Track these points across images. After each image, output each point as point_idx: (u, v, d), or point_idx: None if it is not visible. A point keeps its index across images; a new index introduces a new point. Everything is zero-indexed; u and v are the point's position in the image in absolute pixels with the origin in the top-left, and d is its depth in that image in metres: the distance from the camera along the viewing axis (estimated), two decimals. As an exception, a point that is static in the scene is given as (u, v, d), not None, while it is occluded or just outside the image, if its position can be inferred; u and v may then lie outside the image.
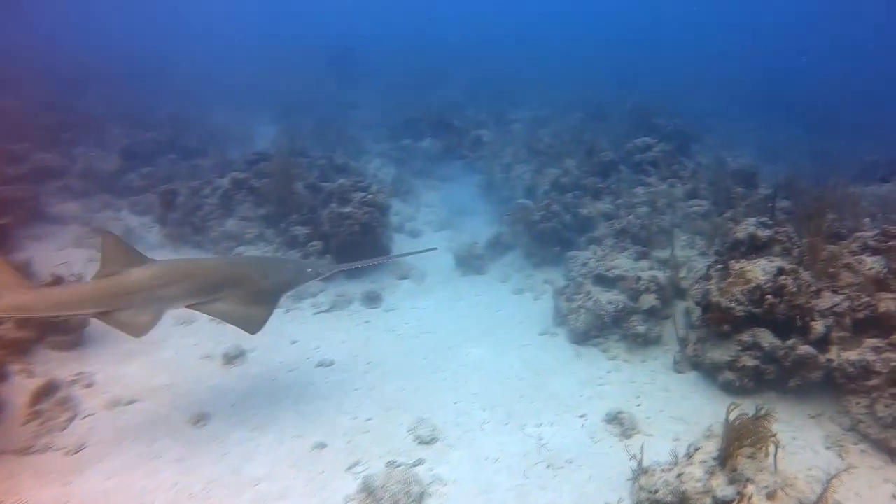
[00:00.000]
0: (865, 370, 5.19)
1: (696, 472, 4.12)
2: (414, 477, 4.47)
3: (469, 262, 9.30)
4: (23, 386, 5.47)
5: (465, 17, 48.05)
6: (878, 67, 30.83)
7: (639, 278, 7.14)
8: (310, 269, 5.36)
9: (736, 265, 5.94)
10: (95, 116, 15.79)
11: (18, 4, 35.91)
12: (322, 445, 5.02)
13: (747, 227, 6.42)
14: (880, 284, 5.75)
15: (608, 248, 8.19)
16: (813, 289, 5.72)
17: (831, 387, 5.49)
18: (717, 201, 9.66)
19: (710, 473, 4.10)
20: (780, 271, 5.64)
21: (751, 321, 5.71)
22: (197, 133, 15.29)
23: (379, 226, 9.12)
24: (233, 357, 6.41)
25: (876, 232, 6.29)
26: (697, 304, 6.44)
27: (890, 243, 6.02)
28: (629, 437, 5.23)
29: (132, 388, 5.75)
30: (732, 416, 4.21)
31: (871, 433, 4.99)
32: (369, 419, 5.45)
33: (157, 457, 4.81)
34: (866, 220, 8.38)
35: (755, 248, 6.32)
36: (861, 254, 6.13)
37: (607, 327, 6.94)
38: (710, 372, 6.01)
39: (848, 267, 6.05)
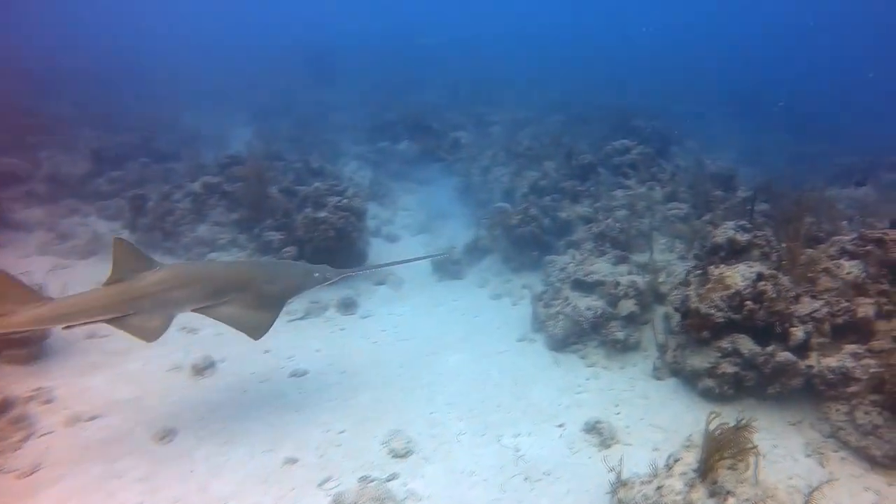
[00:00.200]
0: (845, 377, 5.15)
1: (675, 484, 4.01)
2: (387, 493, 4.33)
3: (446, 267, 9.16)
4: (-26, 405, 5.19)
5: (447, 19, 48.12)
6: (861, 74, 31.28)
7: (617, 283, 7.05)
8: (317, 274, 5.24)
9: (715, 271, 5.86)
10: (65, 118, 15.43)
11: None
12: (293, 460, 4.83)
13: (726, 231, 6.38)
14: (859, 289, 5.73)
15: (587, 252, 8.08)
16: (792, 294, 5.66)
17: (811, 393, 5.43)
18: (696, 204, 9.62)
19: (691, 486, 3.99)
20: (760, 277, 5.57)
21: (730, 327, 5.63)
22: (170, 135, 14.99)
23: (354, 230, 8.91)
24: (202, 368, 6.18)
25: (854, 236, 6.27)
26: (677, 310, 6.35)
27: (868, 247, 5.99)
28: (608, 447, 5.11)
29: (94, 403, 5.50)
30: (713, 427, 4.10)
31: (851, 440, 4.93)
32: (342, 431, 5.27)
33: (118, 476, 4.57)
34: (844, 223, 8.41)
35: (734, 252, 6.27)
36: (839, 258, 6.11)
37: (586, 333, 6.84)
38: (689, 379, 5.93)
39: (826, 271, 6.02)
